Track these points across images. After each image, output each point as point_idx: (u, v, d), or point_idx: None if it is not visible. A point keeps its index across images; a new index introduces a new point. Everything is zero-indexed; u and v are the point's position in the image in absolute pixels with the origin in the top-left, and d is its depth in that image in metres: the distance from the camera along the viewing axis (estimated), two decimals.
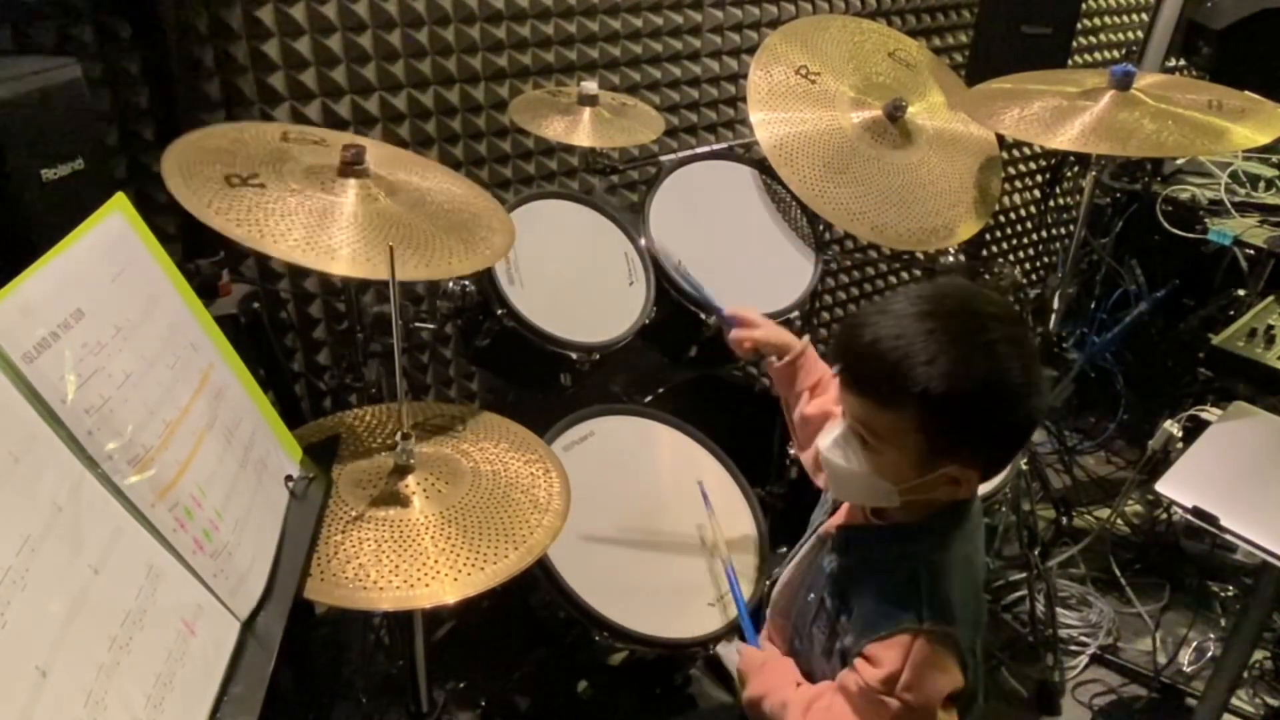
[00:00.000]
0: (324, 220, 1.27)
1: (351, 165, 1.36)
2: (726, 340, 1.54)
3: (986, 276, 2.21)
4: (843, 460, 1.10)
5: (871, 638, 1.09)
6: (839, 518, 1.26)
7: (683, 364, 2.12)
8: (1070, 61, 2.76)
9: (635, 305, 1.91)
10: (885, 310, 1.05)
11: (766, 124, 1.99)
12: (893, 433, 1.05)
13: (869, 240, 2.11)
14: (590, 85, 1.95)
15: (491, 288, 1.75)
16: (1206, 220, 2.60)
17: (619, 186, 2.48)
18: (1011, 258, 3.59)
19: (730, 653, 2.08)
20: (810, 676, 1.24)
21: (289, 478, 1.17)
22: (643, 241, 1.98)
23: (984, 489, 1.68)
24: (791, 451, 2.07)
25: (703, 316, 1.97)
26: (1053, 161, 3.38)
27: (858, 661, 1.10)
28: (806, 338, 1.46)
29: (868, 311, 1.08)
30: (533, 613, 1.70)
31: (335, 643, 2.00)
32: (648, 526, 1.71)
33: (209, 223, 1.18)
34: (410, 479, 1.24)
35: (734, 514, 1.80)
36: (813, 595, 1.24)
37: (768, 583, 1.55)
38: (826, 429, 1.17)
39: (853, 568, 1.18)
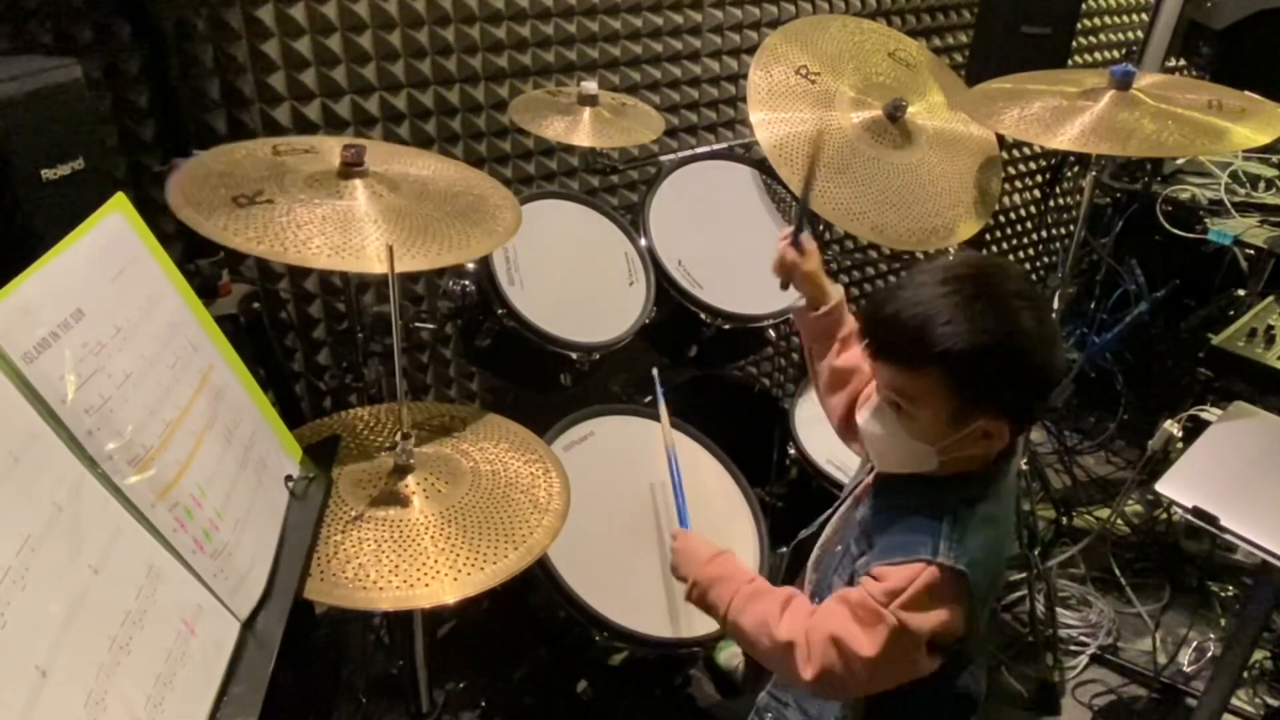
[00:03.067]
0: (345, 224, 1.29)
1: (352, 166, 1.37)
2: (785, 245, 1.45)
3: None
4: (881, 429, 1.17)
5: (884, 561, 1.13)
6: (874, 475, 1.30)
7: (683, 364, 2.12)
8: (1070, 61, 2.76)
9: (635, 305, 1.91)
10: (904, 284, 1.13)
11: (766, 124, 1.99)
12: (923, 394, 1.11)
13: (869, 240, 2.11)
14: (590, 85, 1.95)
15: (491, 288, 1.75)
16: (1206, 220, 2.59)
17: (619, 186, 2.48)
18: (1011, 258, 3.59)
19: (729, 658, 2.09)
20: None
21: (289, 478, 1.17)
22: (643, 241, 1.98)
23: None
24: (791, 451, 2.07)
25: (702, 318, 1.97)
26: (1053, 161, 3.38)
27: (863, 578, 1.14)
28: (839, 289, 1.46)
29: (887, 288, 1.17)
30: (533, 613, 1.70)
31: (335, 643, 2.00)
32: (648, 526, 1.71)
33: (228, 244, 1.20)
34: (410, 479, 1.24)
35: (734, 514, 1.80)
36: (841, 547, 1.29)
37: (784, 549, 1.58)
38: (863, 406, 1.23)
39: (883, 512, 1.23)
